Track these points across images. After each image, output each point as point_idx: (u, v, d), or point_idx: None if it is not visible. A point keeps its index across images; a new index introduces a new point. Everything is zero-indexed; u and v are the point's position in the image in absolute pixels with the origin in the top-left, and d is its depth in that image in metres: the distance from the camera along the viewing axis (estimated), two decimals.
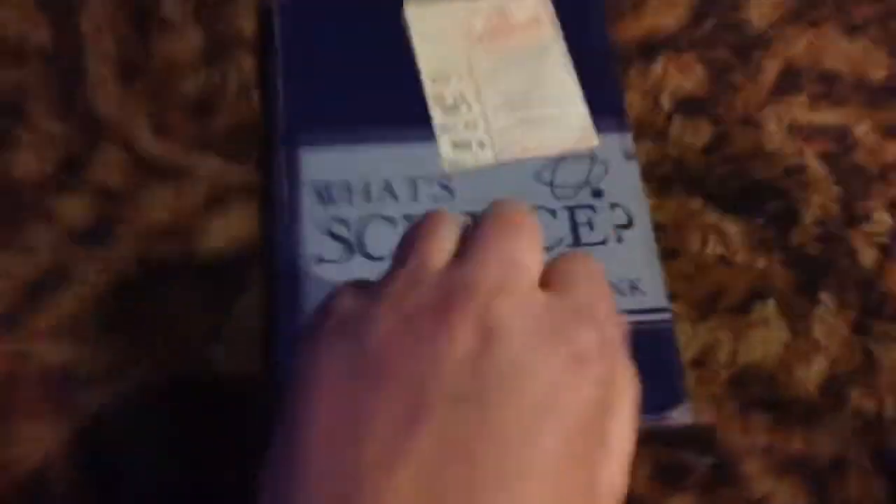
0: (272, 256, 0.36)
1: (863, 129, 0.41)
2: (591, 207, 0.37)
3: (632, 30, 0.42)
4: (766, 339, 0.36)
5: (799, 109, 0.41)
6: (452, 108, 0.39)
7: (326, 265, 0.35)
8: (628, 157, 0.38)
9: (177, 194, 0.37)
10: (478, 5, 0.41)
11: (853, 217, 0.39)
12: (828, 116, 0.41)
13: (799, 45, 0.42)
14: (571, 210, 0.37)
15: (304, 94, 0.39)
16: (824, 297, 0.37)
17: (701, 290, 0.37)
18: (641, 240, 0.37)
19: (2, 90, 0.39)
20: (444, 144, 0.38)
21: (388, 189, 0.37)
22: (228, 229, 0.37)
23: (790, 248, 0.38)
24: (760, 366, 0.36)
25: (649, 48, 0.42)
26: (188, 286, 0.35)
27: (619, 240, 0.36)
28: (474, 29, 0.41)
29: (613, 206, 0.37)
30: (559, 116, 0.39)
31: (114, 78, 0.39)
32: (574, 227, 0.37)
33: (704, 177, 0.39)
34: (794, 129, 0.40)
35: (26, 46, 0.40)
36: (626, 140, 0.39)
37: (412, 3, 0.41)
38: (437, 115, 0.39)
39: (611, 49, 0.41)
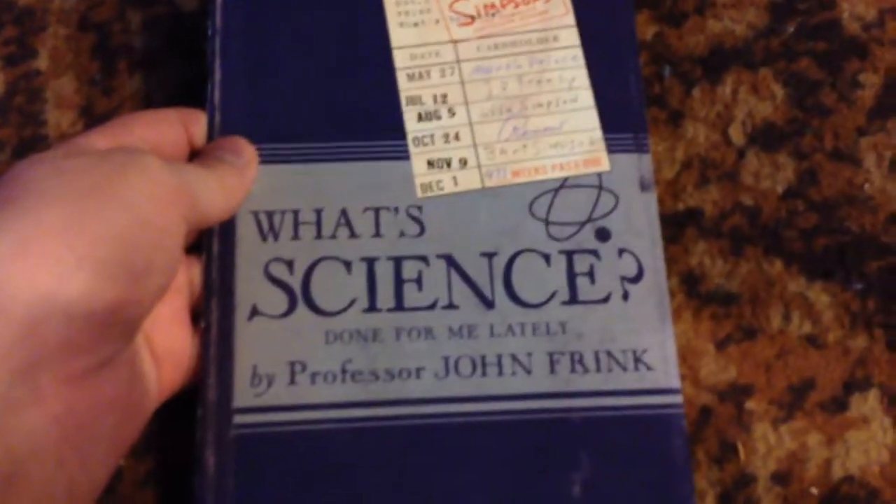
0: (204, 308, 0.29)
1: None
2: (595, 253, 0.29)
3: (693, 39, 0.34)
4: (866, 442, 0.29)
5: None
6: (431, 115, 0.30)
7: (262, 319, 0.28)
8: (645, 186, 0.30)
9: None
10: None
11: None
12: None
13: None
14: (569, 255, 0.29)
15: (242, 92, 0.30)
16: None
17: (783, 381, 0.30)
18: (653, 299, 0.29)
19: None
20: (418, 162, 0.30)
21: (345, 221, 0.29)
22: None
23: (895, 324, 0.31)
24: (861, 479, 0.29)
25: (715, 63, 0.34)
26: None
27: (625, 296, 0.29)
28: (467, 4, 0.32)
29: (621, 251, 0.29)
30: (562, 128, 0.30)
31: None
32: (571, 278, 0.29)
33: (786, 231, 0.32)
34: None
35: None
36: (645, 164, 0.30)
37: None
38: (410, 124, 0.30)
39: (635, 39, 0.32)
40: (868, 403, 0.30)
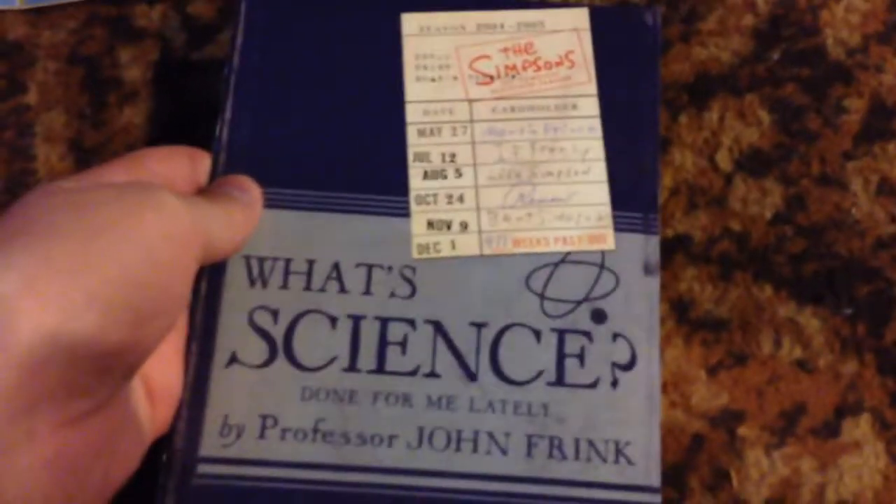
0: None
1: None
2: (587, 335, 0.28)
3: (678, 66, 0.35)
4: (859, 468, 0.29)
5: (891, 162, 0.33)
6: (437, 173, 0.29)
7: (239, 368, 0.27)
8: (649, 270, 0.28)
9: None
10: (499, 30, 0.31)
11: None
12: None
13: (889, 77, 0.34)
14: (561, 334, 0.28)
15: (248, 134, 0.30)
16: None
17: (775, 407, 0.30)
18: (643, 389, 0.27)
19: None
20: (418, 221, 0.29)
21: (336, 275, 0.28)
22: None
23: (886, 348, 0.31)
24: None
25: (701, 90, 0.34)
26: None
27: (614, 384, 0.27)
28: (488, 63, 0.31)
29: (616, 336, 0.28)
30: (570, 199, 0.29)
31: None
32: (560, 359, 0.27)
33: (775, 256, 0.32)
34: (887, 189, 0.33)
35: None
36: (652, 246, 0.29)
37: (412, 20, 0.31)
38: (415, 181, 0.29)
39: (657, 115, 0.30)
40: (860, 428, 0.30)
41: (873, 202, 0.32)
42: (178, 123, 0.34)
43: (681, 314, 0.31)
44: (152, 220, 0.22)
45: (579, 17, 0.31)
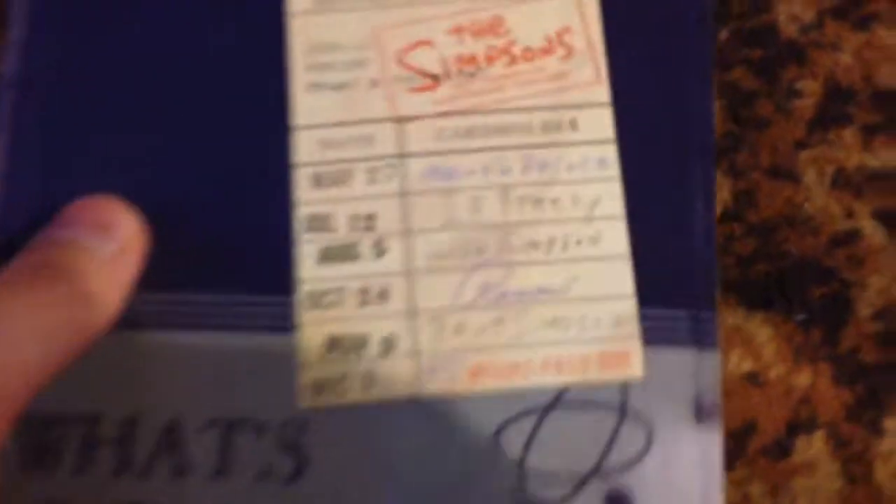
0: None
1: None
2: None
3: None
4: (814, 491, 0.27)
5: (847, 150, 0.30)
6: (344, 252, 0.18)
7: None
8: (704, 413, 0.19)
9: None
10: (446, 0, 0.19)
11: None
12: (890, 157, 0.30)
13: (846, 56, 0.31)
14: None
15: (29, 193, 0.19)
16: (891, 424, 0.27)
17: (722, 426, 0.28)
18: None
19: None
20: (311, 338, 0.17)
21: (171, 442, 0.17)
22: None
23: (841, 356, 0.28)
24: None
25: None
26: None
27: None
28: (429, 54, 0.19)
29: None
30: (569, 291, 0.18)
31: None
32: None
33: (723, 258, 0.29)
34: (842, 180, 0.30)
35: None
36: (708, 369, 0.19)
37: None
38: (307, 266, 0.18)
39: (711, 133, 0.20)
40: (814, 447, 0.27)
41: (828, 195, 0.30)
42: None
43: None
44: None
45: None
